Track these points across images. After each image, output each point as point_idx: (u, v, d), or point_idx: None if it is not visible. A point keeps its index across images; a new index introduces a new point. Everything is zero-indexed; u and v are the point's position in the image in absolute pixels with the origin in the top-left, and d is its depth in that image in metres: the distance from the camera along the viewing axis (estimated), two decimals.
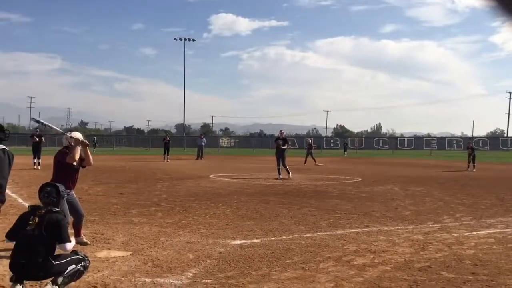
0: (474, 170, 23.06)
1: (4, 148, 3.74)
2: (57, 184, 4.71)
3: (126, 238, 6.75)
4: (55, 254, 4.23)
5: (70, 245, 4.31)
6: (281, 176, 17.02)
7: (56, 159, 6.28)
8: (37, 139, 20.86)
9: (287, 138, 18.72)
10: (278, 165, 17.28)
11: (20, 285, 4.08)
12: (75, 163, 6.20)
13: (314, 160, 27.24)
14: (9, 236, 4.32)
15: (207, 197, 11.59)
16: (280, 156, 17.30)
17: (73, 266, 4.25)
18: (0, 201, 3.59)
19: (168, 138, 30.57)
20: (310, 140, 30.88)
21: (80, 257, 4.37)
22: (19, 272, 4.11)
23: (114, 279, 4.83)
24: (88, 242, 6.41)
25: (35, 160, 20.83)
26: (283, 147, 17.33)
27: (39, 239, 4.12)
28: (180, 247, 6.26)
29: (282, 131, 18.24)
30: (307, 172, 20.71)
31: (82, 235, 6.51)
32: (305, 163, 26.75)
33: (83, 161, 6.39)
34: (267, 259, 5.68)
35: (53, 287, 4.10)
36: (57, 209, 4.45)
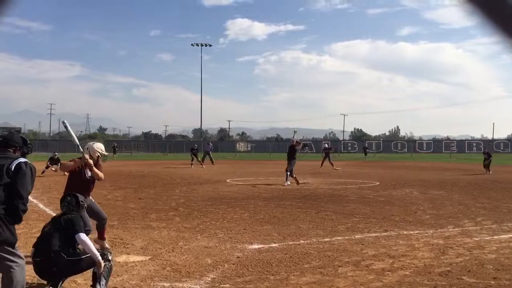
0: (491, 173, 22.68)
1: (26, 161, 3.91)
2: (77, 195, 4.93)
3: (145, 243, 6.80)
4: (70, 251, 4.38)
5: (82, 236, 4.40)
6: (288, 182, 16.15)
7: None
8: (54, 167, 21.26)
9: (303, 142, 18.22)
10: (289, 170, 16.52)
11: None
12: (87, 175, 6.25)
13: (332, 164, 27.11)
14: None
15: (224, 201, 11.62)
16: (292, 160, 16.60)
17: (93, 266, 4.39)
18: (21, 210, 3.73)
19: (196, 146, 31.65)
20: (326, 145, 30.61)
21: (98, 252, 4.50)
22: (37, 270, 4.37)
23: (133, 283, 4.88)
24: (109, 247, 6.48)
25: (52, 168, 20.99)
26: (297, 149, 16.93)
27: (52, 235, 4.38)
28: (198, 251, 6.29)
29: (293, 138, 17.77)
30: (325, 176, 20.62)
31: (105, 239, 6.61)
32: (321, 166, 26.65)
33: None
34: (285, 263, 5.67)
35: None
36: (73, 214, 4.68)
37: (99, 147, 6.50)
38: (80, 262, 4.37)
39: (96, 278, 4.44)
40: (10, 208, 3.71)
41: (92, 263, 4.41)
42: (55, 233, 4.40)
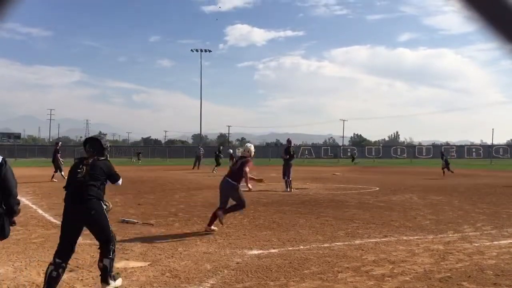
0: (453, 172, 24.85)
1: (2, 157, 4.23)
2: (99, 138, 5.10)
3: (144, 249, 6.78)
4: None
5: (120, 181, 5.14)
6: (288, 189, 16.02)
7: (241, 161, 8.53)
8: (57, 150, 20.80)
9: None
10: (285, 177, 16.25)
11: None
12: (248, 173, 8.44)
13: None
14: (66, 187, 4.80)
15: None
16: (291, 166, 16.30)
17: (112, 248, 4.76)
18: (16, 204, 4.20)
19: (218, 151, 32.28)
20: (231, 150, 29.25)
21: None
22: (72, 213, 4.59)
23: None
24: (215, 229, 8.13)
25: (55, 173, 20.37)
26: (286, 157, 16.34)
27: (90, 184, 4.65)
28: (198, 257, 6.27)
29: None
30: (325, 182, 20.61)
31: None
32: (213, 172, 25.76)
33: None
34: (284, 269, 5.66)
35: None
36: (102, 158, 4.93)
37: (253, 149, 8.95)
38: (108, 223, 4.80)
39: (106, 274, 4.65)
40: (6, 206, 4.09)
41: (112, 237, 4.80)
42: (92, 182, 4.66)
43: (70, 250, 4.59)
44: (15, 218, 4.25)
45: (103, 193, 4.81)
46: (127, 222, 9.14)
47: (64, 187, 4.80)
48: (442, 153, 27.85)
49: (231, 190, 8.39)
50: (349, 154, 55.35)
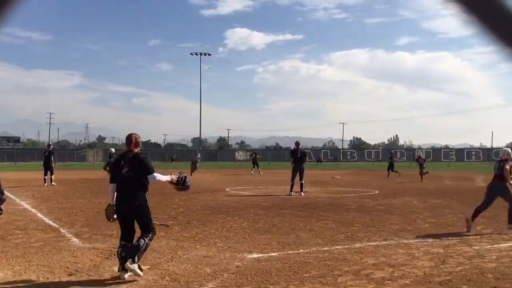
0: (397, 171, 26.19)
1: None
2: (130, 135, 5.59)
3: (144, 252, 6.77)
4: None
5: (157, 175, 5.51)
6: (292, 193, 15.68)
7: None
8: (47, 154, 20.29)
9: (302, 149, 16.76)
10: (293, 180, 15.78)
11: (127, 273, 5.14)
12: None
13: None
14: (112, 180, 5.51)
15: (223, 210, 11.59)
16: (300, 169, 15.72)
17: (150, 236, 5.43)
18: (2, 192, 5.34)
19: (255, 153, 34.96)
20: (112, 150, 27.21)
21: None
22: (123, 206, 5.34)
23: None
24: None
25: (46, 177, 19.95)
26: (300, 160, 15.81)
27: (133, 178, 5.31)
28: (197, 261, 6.26)
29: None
30: (324, 185, 20.61)
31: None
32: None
33: None
34: (284, 273, 5.65)
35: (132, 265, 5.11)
36: (140, 152, 5.58)
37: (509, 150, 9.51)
38: (150, 215, 5.52)
39: (122, 262, 5.11)
40: None
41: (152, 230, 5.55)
42: (134, 176, 5.31)
43: (130, 234, 5.42)
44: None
45: (147, 183, 5.42)
46: None
47: (111, 181, 5.50)
48: (391, 154, 29.31)
49: (504, 192, 8.96)
50: (318, 156, 60.06)
